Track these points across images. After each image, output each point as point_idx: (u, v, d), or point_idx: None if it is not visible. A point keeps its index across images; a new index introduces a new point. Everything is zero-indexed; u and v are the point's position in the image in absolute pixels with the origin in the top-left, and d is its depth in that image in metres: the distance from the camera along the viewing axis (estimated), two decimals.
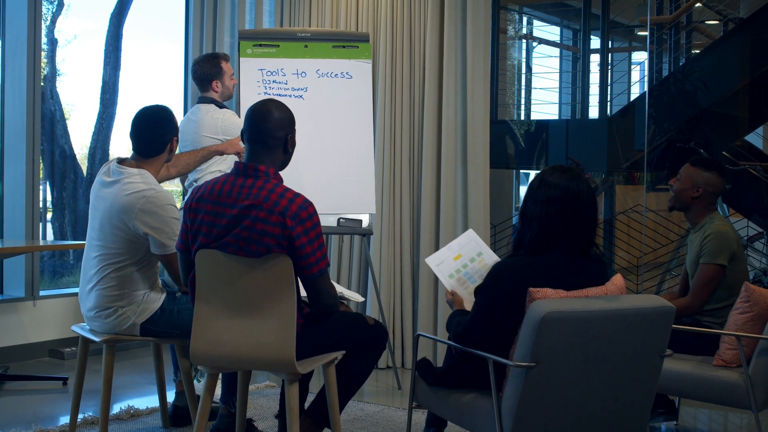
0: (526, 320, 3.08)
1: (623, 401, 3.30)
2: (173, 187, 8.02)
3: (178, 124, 4.26)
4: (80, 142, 9.08)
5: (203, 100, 5.17)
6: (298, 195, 3.47)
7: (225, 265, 3.46)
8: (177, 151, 4.38)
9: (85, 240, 4.23)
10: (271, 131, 3.56)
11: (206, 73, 5.17)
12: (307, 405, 3.95)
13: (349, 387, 3.87)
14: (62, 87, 8.77)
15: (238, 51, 5.76)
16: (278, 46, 5.77)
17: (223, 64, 5.20)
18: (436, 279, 6.01)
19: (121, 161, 4.13)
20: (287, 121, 3.62)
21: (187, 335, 3.68)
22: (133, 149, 4.15)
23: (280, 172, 3.62)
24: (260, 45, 5.75)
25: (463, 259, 3.88)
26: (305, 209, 3.44)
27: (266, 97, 5.55)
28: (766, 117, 8.38)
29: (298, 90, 5.70)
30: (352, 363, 3.85)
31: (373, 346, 3.87)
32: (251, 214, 3.42)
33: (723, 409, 5.29)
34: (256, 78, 5.67)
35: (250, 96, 5.46)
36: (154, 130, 4.12)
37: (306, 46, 5.79)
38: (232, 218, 3.45)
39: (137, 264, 4.06)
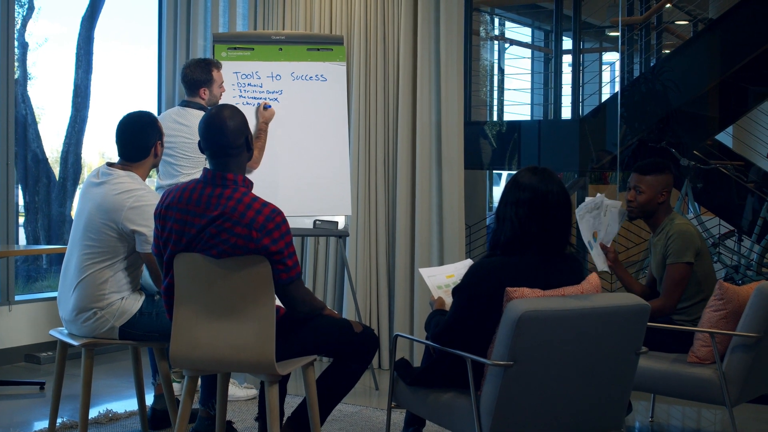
0: (503, 319, 3.11)
1: (600, 398, 3.34)
2: None
3: (163, 129, 4.31)
4: (52, 146, 9.02)
5: (190, 104, 5.14)
6: (266, 204, 3.44)
7: (203, 267, 3.47)
8: (162, 156, 4.41)
9: (59, 244, 4.23)
10: (231, 143, 3.53)
11: (196, 79, 5.15)
12: (285, 406, 3.96)
13: (331, 396, 3.84)
14: (33, 91, 8.72)
15: (213, 54, 5.76)
16: (253, 49, 5.78)
17: (215, 72, 5.19)
18: (413, 279, 6.05)
19: (110, 165, 4.21)
20: (243, 124, 3.60)
21: (166, 338, 3.69)
22: (119, 154, 4.25)
23: (251, 175, 3.61)
24: (235, 48, 5.76)
25: (455, 278, 3.92)
26: (272, 220, 3.41)
27: (241, 100, 5.60)
28: (736, 116, 8.45)
29: (273, 93, 5.71)
30: (335, 371, 3.83)
31: (358, 354, 3.83)
32: (216, 223, 3.42)
33: (697, 405, 5.35)
34: (231, 81, 5.68)
35: (225, 99, 5.46)
36: (139, 135, 4.21)
37: (280, 49, 5.80)
38: (201, 228, 3.44)
39: (120, 264, 4.10)
